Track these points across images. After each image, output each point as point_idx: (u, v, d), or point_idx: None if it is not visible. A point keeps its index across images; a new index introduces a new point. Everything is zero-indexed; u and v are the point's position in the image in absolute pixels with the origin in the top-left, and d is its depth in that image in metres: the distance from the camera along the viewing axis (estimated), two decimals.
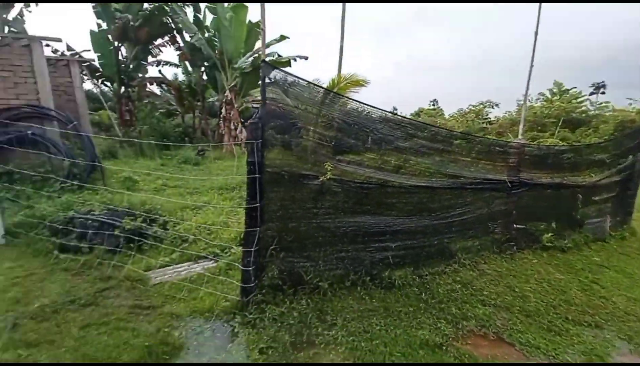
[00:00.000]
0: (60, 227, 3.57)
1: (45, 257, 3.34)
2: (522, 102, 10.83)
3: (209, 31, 11.94)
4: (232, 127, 11.90)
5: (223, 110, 12.00)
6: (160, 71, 14.74)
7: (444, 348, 2.32)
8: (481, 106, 21.00)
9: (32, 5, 10.35)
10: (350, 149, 3.21)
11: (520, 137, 7.49)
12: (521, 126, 8.03)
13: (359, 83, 6.99)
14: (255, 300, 2.59)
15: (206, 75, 13.29)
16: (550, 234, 4.22)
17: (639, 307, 3.12)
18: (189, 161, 9.40)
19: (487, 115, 20.52)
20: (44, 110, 5.02)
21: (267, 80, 2.41)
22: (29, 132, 4.82)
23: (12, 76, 4.78)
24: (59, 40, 6.24)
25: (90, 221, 3.64)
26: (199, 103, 14.57)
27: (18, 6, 10.13)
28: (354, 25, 44.05)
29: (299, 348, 2.22)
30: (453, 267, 3.53)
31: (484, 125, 18.21)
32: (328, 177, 2.41)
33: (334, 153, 3.11)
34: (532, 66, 6.72)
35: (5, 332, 2.21)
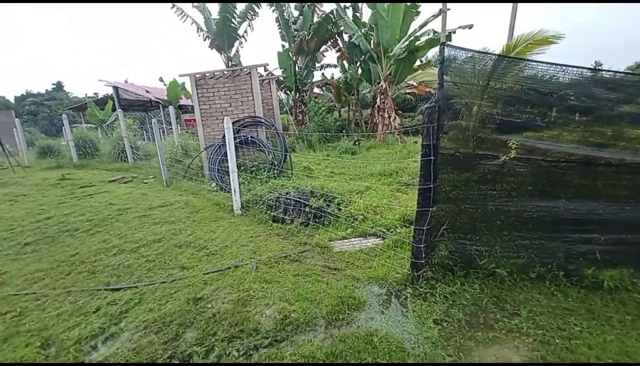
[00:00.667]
0: (272, 203, 4.90)
1: (265, 225, 4.46)
2: None
3: (365, 27, 12.60)
4: (386, 116, 12.18)
5: (377, 100, 12.47)
6: (322, 74, 16.99)
7: None
8: None
9: (244, 42, 14.07)
10: (527, 126, 2.73)
11: None
12: None
13: (546, 41, 5.41)
14: (424, 276, 2.72)
15: (361, 69, 14.14)
16: None
17: None
18: (348, 151, 10.42)
19: None
20: (257, 118, 6.85)
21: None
22: (250, 135, 6.82)
23: (240, 97, 6.80)
24: (267, 65, 8.35)
25: (288, 200, 4.80)
26: (353, 96, 15.78)
27: (236, 45, 14.02)
28: None
29: (475, 328, 2.21)
30: None
31: None
32: (512, 156, 2.19)
33: (507, 132, 2.74)
34: None
35: (252, 271, 3.16)
